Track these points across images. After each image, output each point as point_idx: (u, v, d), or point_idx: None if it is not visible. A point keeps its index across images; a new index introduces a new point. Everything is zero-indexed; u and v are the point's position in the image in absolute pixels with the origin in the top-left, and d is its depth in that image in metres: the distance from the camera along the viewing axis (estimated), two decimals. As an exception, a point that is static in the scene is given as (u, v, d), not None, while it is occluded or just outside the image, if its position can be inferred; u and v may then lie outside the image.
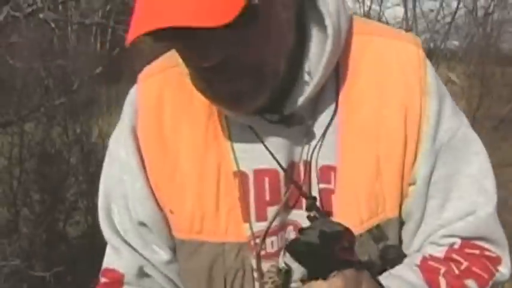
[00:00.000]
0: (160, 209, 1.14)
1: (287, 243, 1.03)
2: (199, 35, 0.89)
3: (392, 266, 1.10)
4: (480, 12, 7.88)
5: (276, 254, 1.11)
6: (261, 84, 0.99)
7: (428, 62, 1.11)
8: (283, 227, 1.11)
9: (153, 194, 1.14)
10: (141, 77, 1.20)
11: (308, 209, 1.08)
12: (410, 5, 5.26)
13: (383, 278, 1.07)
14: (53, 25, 3.54)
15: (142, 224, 1.16)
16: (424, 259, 1.10)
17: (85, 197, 5.08)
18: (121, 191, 1.17)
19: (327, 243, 0.96)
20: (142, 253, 1.16)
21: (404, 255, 1.12)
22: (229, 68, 0.95)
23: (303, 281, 1.03)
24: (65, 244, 4.74)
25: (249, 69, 0.97)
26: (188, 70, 1.02)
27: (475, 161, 1.12)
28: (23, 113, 3.72)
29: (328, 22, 1.03)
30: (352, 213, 1.08)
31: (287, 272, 1.09)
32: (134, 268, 1.18)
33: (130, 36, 0.91)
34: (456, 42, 8.45)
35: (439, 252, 1.11)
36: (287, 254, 1.04)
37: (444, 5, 5.80)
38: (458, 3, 5.93)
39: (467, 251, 1.11)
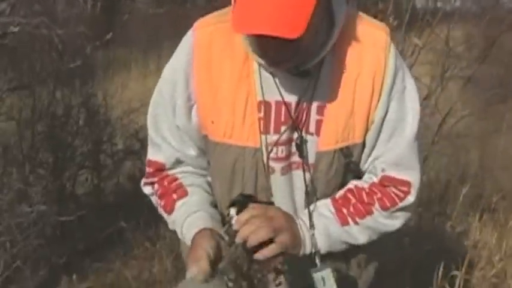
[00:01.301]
0: (191, 120, 1.82)
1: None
2: (280, 39, 1.53)
3: (352, 174, 1.83)
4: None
5: (285, 158, 1.79)
6: (297, 58, 1.69)
7: (392, 44, 1.81)
8: (289, 140, 1.79)
9: (190, 109, 1.81)
10: (197, 25, 1.85)
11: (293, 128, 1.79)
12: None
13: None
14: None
15: (179, 128, 1.80)
16: (345, 192, 1.85)
17: (92, 157, 5.56)
18: (169, 104, 1.82)
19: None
20: (178, 148, 1.81)
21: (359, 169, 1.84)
22: (286, 47, 1.61)
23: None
24: (74, 201, 5.20)
25: (295, 51, 1.64)
26: (256, 41, 1.68)
27: (410, 113, 1.82)
28: (41, 77, 4.20)
29: (337, 20, 1.74)
30: (332, 136, 1.78)
31: None
32: (172, 158, 1.87)
33: (238, 29, 1.59)
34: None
35: (364, 183, 1.85)
36: None
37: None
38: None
39: (385, 182, 1.83)
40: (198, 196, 1.88)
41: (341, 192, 1.84)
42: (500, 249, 4.36)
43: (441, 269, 3.42)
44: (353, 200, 1.82)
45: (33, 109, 4.80)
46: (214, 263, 1.65)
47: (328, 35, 1.74)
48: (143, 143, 5.71)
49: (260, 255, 1.62)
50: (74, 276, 4.58)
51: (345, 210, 1.81)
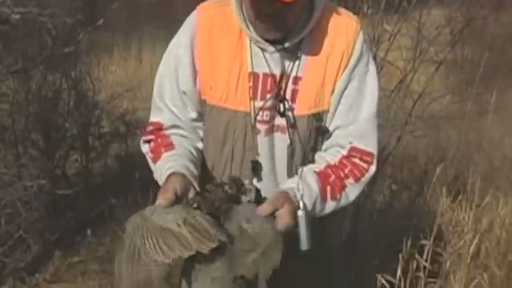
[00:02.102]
0: (196, 86, 2.21)
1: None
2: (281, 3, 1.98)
3: (322, 136, 2.23)
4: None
5: (268, 121, 2.20)
6: (286, 28, 2.13)
7: (361, 32, 2.24)
8: (273, 106, 2.20)
9: (195, 78, 2.19)
10: (200, 8, 2.29)
11: (277, 96, 2.20)
12: None
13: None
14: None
15: (184, 92, 2.19)
16: (325, 168, 2.20)
17: (81, 139, 5.94)
18: (174, 74, 2.23)
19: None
20: (178, 113, 2.22)
21: (328, 131, 2.24)
22: (278, 16, 2.06)
23: None
24: (65, 180, 5.58)
25: (285, 19, 2.10)
26: (253, 7, 2.10)
27: (369, 93, 2.23)
28: (37, 61, 4.58)
29: (316, 7, 2.19)
30: (306, 103, 2.20)
31: None
32: (170, 121, 2.27)
33: None
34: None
35: (335, 159, 2.22)
36: None
37: None
38: None
39: (352, 153, 2.22)
40: (182, 151, 2.23)
41: (320, 167, 2.21)
42: (473, 227, 4.62)
43: (410, 238, 3.70)
44: (332, 177, 2.20)
45: (27, 92, 5.19)
46: (179, 198, 1.96)
47: (307, 19, 2.15)
48: (128, 127, 6.11)
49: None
50: (66, 251, 5.02)
51: (328, 188, 2.18)
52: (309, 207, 2.10)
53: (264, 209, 1.96)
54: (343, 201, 2.22)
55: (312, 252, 2.24)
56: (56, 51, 4.72)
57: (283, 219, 1.97)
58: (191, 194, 1.99)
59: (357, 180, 2.22)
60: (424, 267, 3.62)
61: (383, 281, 3.51)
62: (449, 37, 5.37)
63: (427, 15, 4.72)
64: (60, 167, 5.65)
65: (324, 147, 2.28)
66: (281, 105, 2.16)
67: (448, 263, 3.99)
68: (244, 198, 2.02)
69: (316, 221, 2.22)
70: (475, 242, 4.32)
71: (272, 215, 1.97)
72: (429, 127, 6.65)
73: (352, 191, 2.23)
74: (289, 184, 2.15)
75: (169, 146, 2.23)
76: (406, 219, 4.48)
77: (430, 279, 3.77)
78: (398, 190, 5.21)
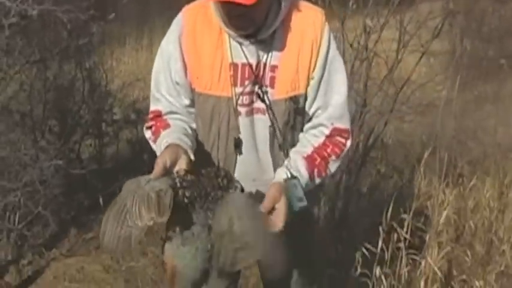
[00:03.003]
0: (187, 77, 2.52)
1: None
2: (243, 5, 2.24)
3: (301, 117, 2.54)
4: None
5: (248, 105, 2.53)
6: (254, 24, 2.46)
7: (327, 24, 2.56)
8: (251, 92, 2.52)
9: (185, 70, 2.50)
10: (185, 10, 2.62)
11: (255, 83, 2.52)
12: None
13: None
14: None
15: (177, 83, 2.51)
16: (312, 153, 2.52)
17: (94, 125, 6.29)
18: (167, 68, 2.55)
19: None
20: (172, 101, 2.53)
21: (305, 112, 2.56)
22: (245, 16, 2.39)
23: None
24: (79, 163, 5.93)
25: (252, 18, 2.42)
26: (223, 10, 2.43)
27: (341, 76, 2.56)
28: (54, 52, 4.93)
29: (284, 3, 2.50)
30: (283, 88, 2.51)
31: None
32: (167, 108, 2.60)
33: None
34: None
35: (319, 141, 2.54)
36: None
37: None
38: None
39: (333, 132, 2.54)
40: (177, 128, 2.55)
41: (307, 151, 2.53)
42: (459, 208, 4.98)
43: (390, 212, 3.99)
44: (318, 160, 2.52)
45: (44, 81, 5.55)
46: (169, 169, 2.26)
47: (277, 13, 2.46)
48: (139, 114, 6.43)
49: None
50: (81, 229, 5.39)
51: (315, 170, 2.50)
52: (302, 189, 2.40)
53: (266, 206, 2.26)
54: (327, 176, 2.58)
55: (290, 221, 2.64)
56: (71, 43, 5.07)
57: (279, 217, 2.28)
58: (183, 165, 2.28)
59: (338, 156, 2.55)
60: (405, 238, 3.86)
61: (364, 250, 3.79)
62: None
63: (415, 9, 4.97)
64: (75, 151, 5.99)
65: (307, 127, 2.60)
66: (259, 91, 2.48)
67: (428, 237, 4.19)
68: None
69: None
70: (453, 217, 4.64)
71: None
72: (424, 114, 6.94)
73: (333, 166, 2.56)
74: (281, 175, 2.45)
75: (167, 126, 2.55)
76: (391, 197, 4.62)
77: (411, 251, 3.97)
78: (387, 173, 5.47)
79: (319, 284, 3.02)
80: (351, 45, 4.58)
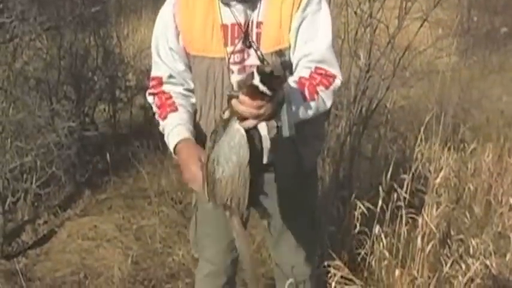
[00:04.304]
0: (179, 43, 2.61)
1: (257, 66, 2.20)
2: None
3: (288, 70, 2.43)
4: None
5: (239, 62, 2.60)
6: None
7: None
8: (242, 50, 2.59)
9: (178, 36, 2.59)
10: None
11: (245, 40, 2.57)
12: None
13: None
14: None
15: (171, 49, 2.60)
16: (299, 78, 2.50)
17: (108, 91, 6.35)
18: (164, 36, 2.65)
19: (283, 69, 2.20)
20: (170, 65, 2.61)
21: (291, 64, 2.52)
22: None
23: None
24: (94, 127, 5.99)
25: None
26: None
27: (323, 26, 2.59)
28: (68, 19, 4.97)
29: None
30: (268, 43, 2.58)
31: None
32: (166, 73, 2.68)
33: None
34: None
35: (306, 74, 2.54)
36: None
37: None
38: None
39: (318, 71, 2.56)
40: (185, 115, 2.64)
41: (296, 79, 2.52)
42: (459, 171, 4.98)
43: (390, 171, 4.09)
44: (307, 83, 2.51)
45: (59, 48, 5.59)
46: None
47: None
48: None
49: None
50: (95, 190, 5.46)
51: (306, 90, 2.49)
52: (294, 101, 2.38)
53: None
54: (321, 105, 2.54)
55: (288, 172, 2.69)
56: (84, 11, 5.10)
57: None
58: None
59: (327, 87, 2.54)
60: (404, 198, 3.88)
61: (363, 208, 3.82)
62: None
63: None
64: (90, 116, 6.06)
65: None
66: (252, 43, 2.56)
67: (426, 198, 4.21)
68: None
69: (290, 146, 2.64)
70: (453, 181, 4.66)
71: None
72: (430, 82, 6.93)
73: (326, 98, 2.54)
74: None
75: (173, 106, 2.65)
76: (393, 160, 4.68)
77: (411, 210, 3.96)
78: (389, 137, 5.48)
79: (320, 241, 3.07)
80: (355, 13, 4.57)
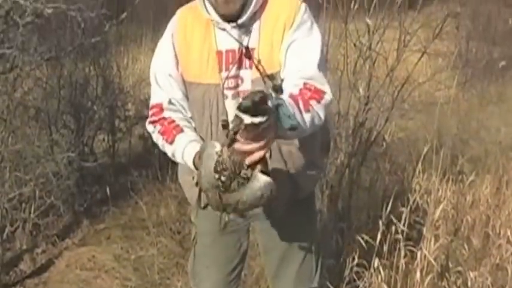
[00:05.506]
0: (178, 70, 2.65)
1: (238, 108, 2.08)
2: None
3: (279, 92, 2.48)
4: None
5: (233, 88, 2.63)
6: (238, 4, 2.56)
7: (302, 5, 2.67)
8: (236, 75, 2.63)
9: (177, 64, 2.64)
10: (178, 11, 2.78)
11: (246, 55, 2.61)
12: None
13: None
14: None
15: (170, 75, 2.63)
16: (290, 94, 2.44)
17: (108, 121, 6.35)
18: (163, 64, 2.70)
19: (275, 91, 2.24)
20: (169, 92, 2.63)
21: (282, 88, 2.54)
22: None
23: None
24: (92, 157, 5.99)
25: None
26: None
27: (312, 49, 2.61)
28: (68, 50, 5.00)
29: None
30: (260, 67, 2.57)
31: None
32: (166, 99, 2.69)
33: None
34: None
35: (296, 90, 2.48)
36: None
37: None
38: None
39: (307, 87, 2.51)
40: (193, 133, 2.66)
41: (287, 96, 2.49)
42: (457, 203, 4.98)
43: (390, 204, 3.99)
44: (299, 98, 2.45)
45: (59, 78, 5.62)
46: None
47: (258, 1, 2.59)
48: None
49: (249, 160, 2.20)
50: (93, 220, 5.45)
51: (300, 103, 2.44)
52: (291, 113, 2.30)
53: None
54: (316, 118, 2.49)
55: (282, 198, 2.64)
56: (85, 41, 5.13)
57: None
58: None
59: (318, 101, 2.50)
60: (403, 231, 3.89)
61: (361, 241, 3.83)
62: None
63: (421, 11, 4.97)
64: (89, 145, 6.05)
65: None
66: (245, 51, 2.60)
67: (425, 230, 4.21)
68: None
69: (287, 179, 2.69)
70: (451, 212, 4.66)
71: None
72: (429, 113, 6.94)
73: (319, 111, 2.50)
74: None
75: (178, 129, 2.64)
76: (391, 192, 4.67)
77: (409, 243, 3.98)
78: (388, 169, 5.48)
79: (318, 274, 3.06)
80: (354, 45, 4.61)
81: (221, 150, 2.23)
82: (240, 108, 2.02)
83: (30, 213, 4.86)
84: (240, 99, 2.25)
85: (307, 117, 2.41)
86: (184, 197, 3.08)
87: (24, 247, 5.02)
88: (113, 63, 6.55)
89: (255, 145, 2.09)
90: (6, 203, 4.60)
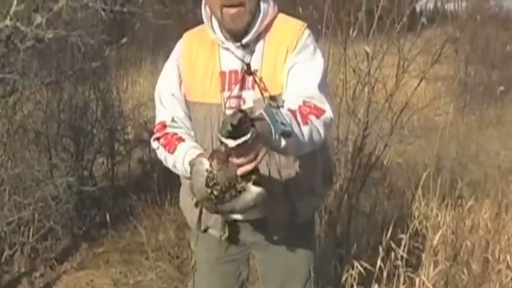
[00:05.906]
0: (181, 90, 2.70)
1: (220, 131, 2.09)
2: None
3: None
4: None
5: (235, 108, 2.61)
6: (247, 12, 2.58)
7: (306, 31, 2.71)
8: (238, 96, 2.66)
9: (180, 84, 2.68)
10: (185, 35, 2.83)
11: (248, 72, 2.64)
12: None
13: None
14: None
15: (173, 95, 2.67)
16: (288, 110, 2.43)
17: (107, 144, 6.37)
18: (168, 84, 2.74)
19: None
20: (172, 112, 2.66)
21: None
22: (239, 12, 2.56)
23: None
24: (92, 181, 5.99)
25: (244, 14, 2.59)
26: (220, 11, 2.57)
27: (314, 72, 2.63)
28: (68, 74, 5.02)
29: (263, 11, 2.67)
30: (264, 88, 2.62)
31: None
32: (169, 117, 2.72)
33: None
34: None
35: (295, 106, 2.47)
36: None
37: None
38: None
39: (307, 104, 2.51)
40: (194, 143, 2.68)
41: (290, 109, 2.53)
42: (457, 228, 4.94)
43: (390, 230, 3.99)
44: (297, 112, 2.45)
45: (59, 102, 5.63)
46: None
47: (261, 18, 2.63)
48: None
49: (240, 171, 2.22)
50: (92, 244, 5.43)
51: (298, 116, 2.44)
52: (286, 121, 2.28)
53: None
54: (316, 133, 2.47)
55: (279, 220, 2.75)
56: (85, 65, 5.16)
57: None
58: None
59: (318, 117, 2.49)
60: (402, 257, 3.89)
61: (360, 268, 3.81)
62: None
63: (420, 35, 5.00)
64: (88, 169, 6.05)
65: None
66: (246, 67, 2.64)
67: (424, 256, 4.21)
68: None
69: (286, 203, 2.71)
70: (450, 237, 4.64)
71: None
72: (428, 138, 6.95)
73: (319, 126, 2.48)
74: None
75: (180, 139, 2.67)
76: (391, 218, 4.65)
77: (409, 269, 3.95)
78: (387, 194, 5.49)
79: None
80: (354, 70, 4.63)
81: (210, 166, 2.26)
82: (221, 134, 2.05)
83: (28, 236, 4.86)
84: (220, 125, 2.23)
85: (305, 130, 2.40)
86: (183, 222, 3.10)
87: (23, 270, 4.99)
88: (113, 86, 6.58)
89: (244, 159, 2.12)
90: (5, 227, 4.61)
